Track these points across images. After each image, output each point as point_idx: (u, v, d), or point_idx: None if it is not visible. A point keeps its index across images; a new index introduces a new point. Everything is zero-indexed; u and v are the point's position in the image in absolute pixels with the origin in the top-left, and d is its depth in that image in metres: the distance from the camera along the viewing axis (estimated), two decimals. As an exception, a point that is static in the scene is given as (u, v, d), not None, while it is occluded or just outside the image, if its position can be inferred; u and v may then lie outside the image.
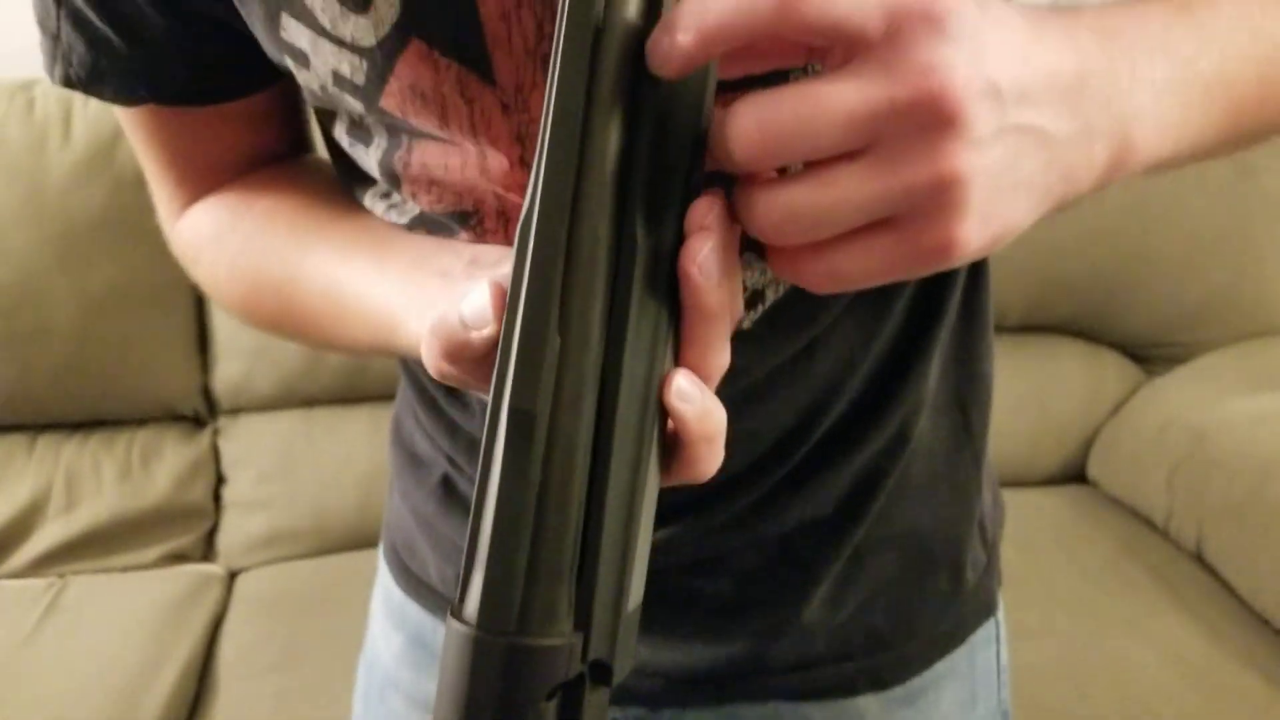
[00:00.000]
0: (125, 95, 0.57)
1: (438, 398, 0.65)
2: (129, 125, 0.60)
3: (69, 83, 0.57)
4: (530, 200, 0.33)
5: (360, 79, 0.49)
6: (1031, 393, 1.69)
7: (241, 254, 0.59)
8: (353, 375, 1.61)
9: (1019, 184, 0.34)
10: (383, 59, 0.47)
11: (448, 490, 0.67)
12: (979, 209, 0.33)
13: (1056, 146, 0.35)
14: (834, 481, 0.60)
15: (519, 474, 0.32)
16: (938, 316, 0.60)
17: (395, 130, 0.51)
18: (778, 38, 0.32)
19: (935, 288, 0.60)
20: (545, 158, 0.33)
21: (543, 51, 0.46)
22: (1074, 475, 1.72)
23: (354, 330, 0.53)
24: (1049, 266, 1.64)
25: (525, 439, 0.32)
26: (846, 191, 0.32)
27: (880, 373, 0.60)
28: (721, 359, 0.36)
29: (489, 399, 0.33)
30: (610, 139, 0.33)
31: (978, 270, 0.64)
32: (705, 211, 0.34)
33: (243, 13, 0.51)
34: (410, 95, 0.48)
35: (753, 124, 0.32)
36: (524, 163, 0.49)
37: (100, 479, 1.59)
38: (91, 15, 0.54)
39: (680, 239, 0.34)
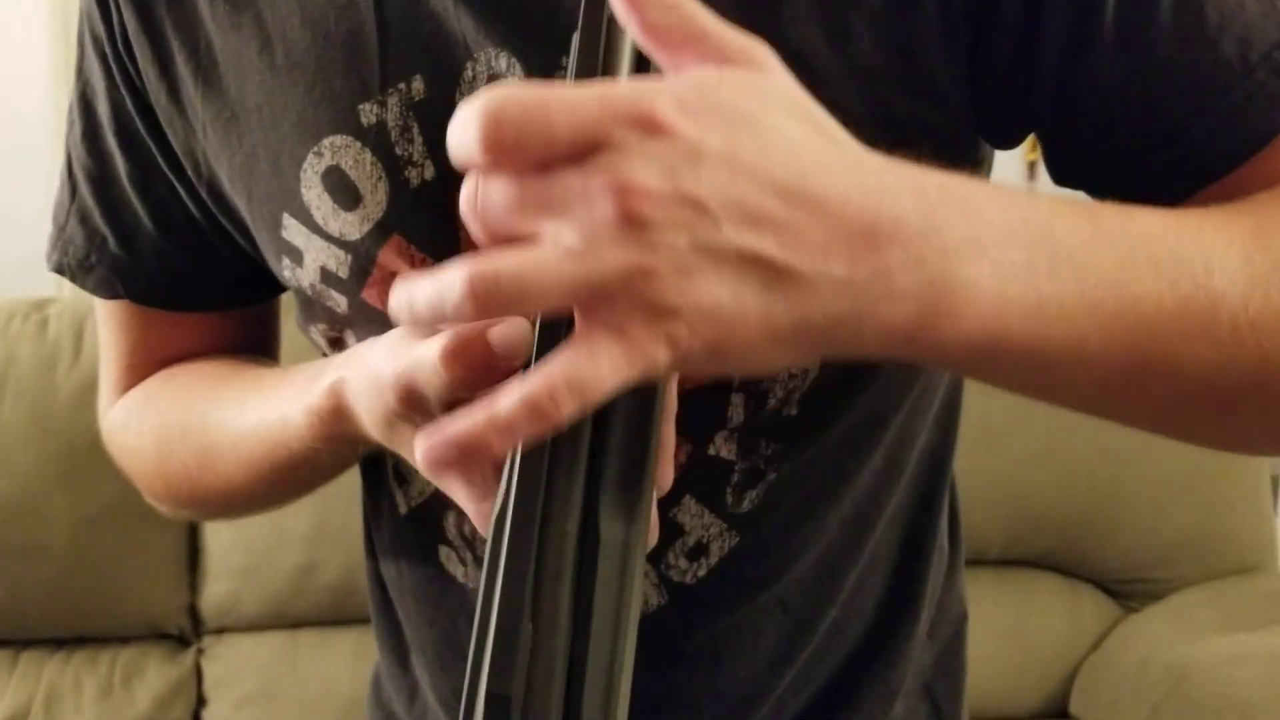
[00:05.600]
0: (105, 289, 0.63)
1: (410, 654, 0.67)
2: (102, 313, 0.66)
3: (59, 269, 0.63)
4: (504, 495, 0.36)
5: (344, 273, 0.53)
6: (1012, 626, 1.70)
7: (164, 411, 0.63)
8: (342, 595, 1.62)
9: (740, 310, 0.33)
10: (365, 252, 0.52)
11: None
12: (676, 312, 0.33)
13: (808, 286, 0.34)
14: None
15: None
16: (911, 617, 0.62)
17: (369, 333, 0.54)
18: None
19: (910, 584, 0.62)
20: (519, 455, 0.36)
21: None
22: (1057, 711, 1.72)
23: (260, 432, 0.54)
24: (1027, 503, 1.68)
25: None
26: (546, 264, 0.32)
27: (850, 659, 0.61)
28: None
29: (465, 683, 0.35)
30: (581, 434, 0.36)
31: (953, 572, 0.66)
32: None
33: (248, 218, 0.56)
34: (390, 286, 0.52)
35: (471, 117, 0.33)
36: None
37: (80, 698, 1.57)
38: (96, 214, 0.61)
39: (640, 522, 0.37)
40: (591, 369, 0.33)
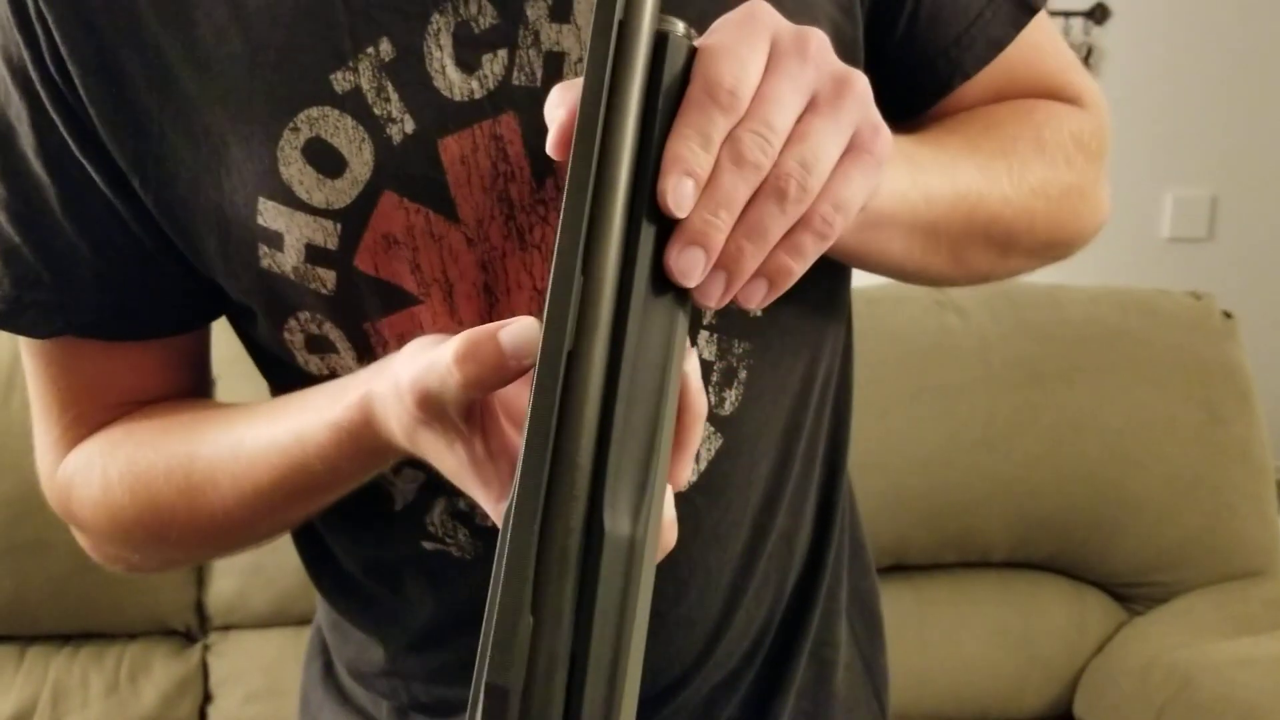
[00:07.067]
0: (42, 326, 0.60)
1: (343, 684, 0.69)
2: (39, 361, 0.62)
3: None
4: (512, 493, 0.36)
5: (334, 244, 0.54)
6: (1016, 628, 1.71)
7: (134, 458, 0.61)
8: (346, 594, 1.63)
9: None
10: (357, 216, 0.53)
11: None
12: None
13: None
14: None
15: None
16: (835, 521, 0.70)
17: (357, 312, 0.56)
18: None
19: (831, 495, 0.70)
20: (524, 450, 0.36)
21: (497, 190, 0.53)
22: (1061, 713, 1.72)
23: (271, 458, 0.54)
24: (1032, 506, 1.68)
25: (499, 714, 0.35)
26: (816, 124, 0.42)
27: (801, 571, 0.69)
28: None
29: (474, 675, 0.36)
30: (586, 431, 0.36)
31: (856, 510, 0.75)
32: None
33: (216, 216, 0.55)
34: (383, 245, 0.53)
35: None
36: (487, 290, 0.54)
37: (87, 694, 1.58)
38: (25, 249, 0.59)
39: (647, 519, 0.37)
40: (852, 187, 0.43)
